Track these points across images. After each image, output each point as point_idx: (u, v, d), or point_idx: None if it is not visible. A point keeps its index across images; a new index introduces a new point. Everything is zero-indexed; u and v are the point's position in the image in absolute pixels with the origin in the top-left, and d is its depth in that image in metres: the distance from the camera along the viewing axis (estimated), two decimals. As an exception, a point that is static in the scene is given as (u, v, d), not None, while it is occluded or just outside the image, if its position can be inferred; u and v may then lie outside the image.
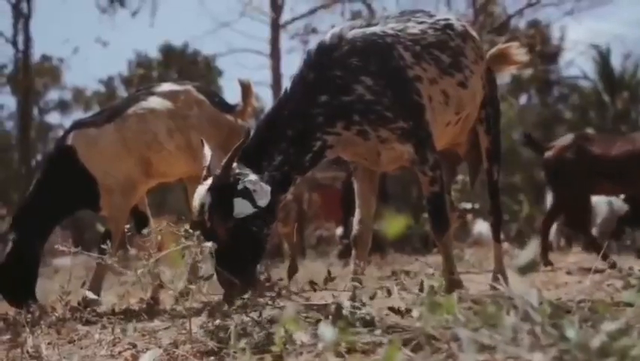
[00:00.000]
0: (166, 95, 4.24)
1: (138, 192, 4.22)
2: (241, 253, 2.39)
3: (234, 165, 2.44)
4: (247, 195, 2.37)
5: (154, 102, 4.20)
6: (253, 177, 2.42)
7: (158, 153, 4.14)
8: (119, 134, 4.10)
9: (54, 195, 4.02)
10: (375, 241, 3.07)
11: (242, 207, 2.33)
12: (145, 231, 3.96)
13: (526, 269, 1.16)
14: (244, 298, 2.25)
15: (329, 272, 2.36)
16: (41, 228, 4.05)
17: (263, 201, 2.38)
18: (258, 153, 2.52)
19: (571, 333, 1.02)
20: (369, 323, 1.93)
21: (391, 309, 2.09)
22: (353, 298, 2.43)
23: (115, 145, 4.09)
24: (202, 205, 2.37)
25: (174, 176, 4.41)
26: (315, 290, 2.30)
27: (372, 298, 2.21)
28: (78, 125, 4.31)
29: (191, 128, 4.15)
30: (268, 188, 2.42)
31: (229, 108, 4.33)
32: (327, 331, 1.12)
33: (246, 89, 4.38)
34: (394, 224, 1.13)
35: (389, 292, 2.23)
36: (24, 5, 20.06)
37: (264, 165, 2.50)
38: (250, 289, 2.32)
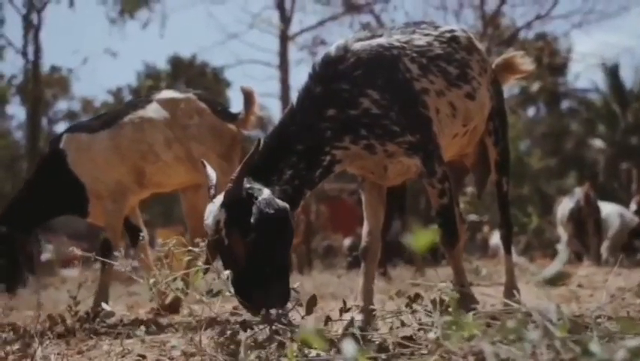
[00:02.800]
0: (165, 104, 4.14)
1: (129, 200, 4.11)
2: (263, 267, 2.29)
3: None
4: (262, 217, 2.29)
5: (152, 111, 4.10)
6: (267, 192, 2.36)
7: (153, 164, 4.05)
8: (113, 142, 4.01)
9: (40, 196, 3.98)
10: (383, 252, 3.02)
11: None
12: (141, 237, 3.91)
13: (554, 281, 1.14)
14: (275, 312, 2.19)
15: (344, 302, 2.29)
16: (26, 225, 4.01)
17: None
18: (267, 168, 2.47)
19: (595, 348, 1.00)
20: (383, 350, 1.91)
21: (405, 338, 2.04)
22: (367, 323, 2.40)
23: (107, 152, 3.99)
24: (217, 223, 2.30)
25: (170, 187, 4.31)
26: (328, 321, 2.24)
27: (390, 328, 2.17)
28: (73, 128, 4.26)
29: (191, 139, 4.06)
30: (285, 204, 2.36)
31: (232, 117, 4.23)
32: (349, 347, 1.11)
33: (248, 97, 4.26)
34: (422, 238, 1.11)
35: (403, 324, 2.19)
36: (34, 16, 20.27)
37: (273, 179, 2.45)
38: (283, 304, 2.22)
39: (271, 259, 2.31)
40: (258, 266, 2.29)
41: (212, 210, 2.34)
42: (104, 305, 2.99)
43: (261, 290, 2.27)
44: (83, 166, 3.97)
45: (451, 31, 3.00)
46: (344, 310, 2.21)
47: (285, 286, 2.32)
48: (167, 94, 4.26)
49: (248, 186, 2.36)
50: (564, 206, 10.04)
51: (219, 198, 2.35)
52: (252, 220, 2.27)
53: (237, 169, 2.33)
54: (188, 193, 4.41)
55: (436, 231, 1.13)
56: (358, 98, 2.58)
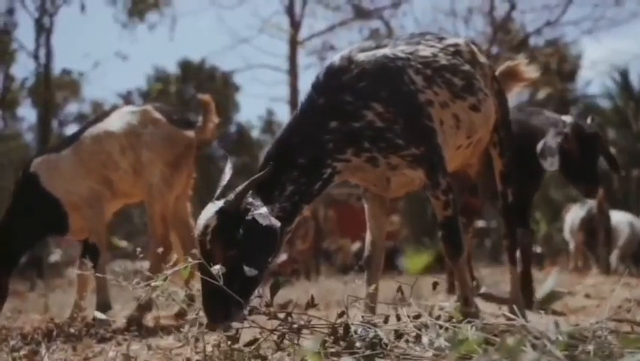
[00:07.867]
0: (122, 116, 4.38)
1: (105, 206, 4.31)
2: (234, 281, 2.23)
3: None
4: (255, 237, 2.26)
5: (109, 123, 4.34)
6: (264, 210, 2.33)
7: (115, 172, 4.27)
8: (77, 156, 4.24)
9: (23, 223, 4.11)
10: (387, 260, 3.01)
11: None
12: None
13: (546, 302, 1.14)
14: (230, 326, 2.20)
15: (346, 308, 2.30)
16: (10, 256, 4.14)
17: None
18: (271, 182, 2.44)
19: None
20: (376, 345, 1.91)
21: (400, 335, 2.04)
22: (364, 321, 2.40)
23: (73, 166, 4.22)
24: (206, 227, 2.30)
25: (136, 196, 4.49)
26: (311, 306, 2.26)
27: (385, 321, 2.19)
28: (39, 154, 4.51)
29: (142, 146, 4.26)
30: (278, 224, 2.32)
31: (189, 125, 4.49)
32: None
33: (205, 105, 4.54)
34: (417, 260, 1.12)
35: (398, 317, 2.20)
36: (46, 20, 20.39)
37: (275, 194, 2.43)
38: (235, 318, 2.23)
39: (242, 275, 2.23)
40: (228, 279, 2.20)
41: (210, 210, 2.33)
42: (97, 314, 3.06)
43: (220, 303, 2.22)
44: (56, 182, 4.19)
45: (455, 45, 2.97)
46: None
47: (238, 303, 2.23)
48: (125, 108, 4.55)
49: (250, 200, 2.35)
50: (575, 214, 9.97)
51: (220, 202, 2.34)
52: (237, 235, 2.26)
53: (245, 183, 2.33)
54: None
55: (430, 253, 1.13)
56: (362, 110, 2.56)
